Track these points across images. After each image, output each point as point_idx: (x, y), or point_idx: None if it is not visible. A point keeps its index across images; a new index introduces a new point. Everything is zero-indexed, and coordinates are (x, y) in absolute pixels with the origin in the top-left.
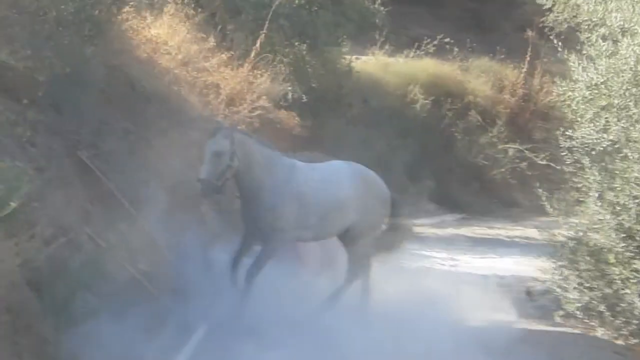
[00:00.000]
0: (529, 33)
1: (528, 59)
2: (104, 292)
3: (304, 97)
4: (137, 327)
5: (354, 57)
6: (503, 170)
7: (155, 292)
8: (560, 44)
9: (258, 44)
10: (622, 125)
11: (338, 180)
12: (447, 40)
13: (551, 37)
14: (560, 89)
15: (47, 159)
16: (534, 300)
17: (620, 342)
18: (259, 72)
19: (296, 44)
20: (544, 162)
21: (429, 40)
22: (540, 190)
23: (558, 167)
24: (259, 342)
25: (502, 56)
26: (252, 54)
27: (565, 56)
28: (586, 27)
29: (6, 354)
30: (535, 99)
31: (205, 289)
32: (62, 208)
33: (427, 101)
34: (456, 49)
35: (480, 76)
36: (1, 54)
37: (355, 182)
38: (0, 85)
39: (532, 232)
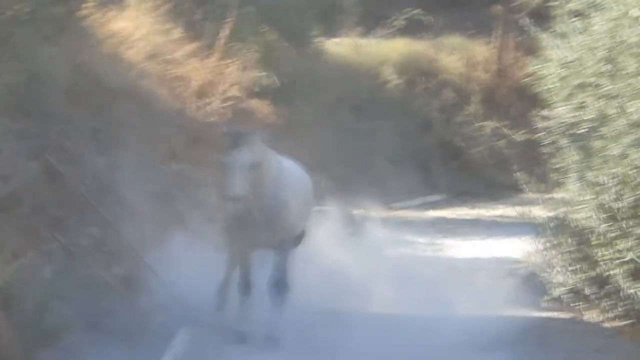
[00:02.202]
0: (498, 8)
1: (499, 34)
2: (78, 302)
3: (277, 83)
4: (114, 337)
5: (323, 40)
6: (481, 148)
7: (132, 297)
8: (530, 20)
9: (226, 32)
10: (598, 103)
11: (301, 174)
12: (416, 15)
13: (519, 14)
14: (533, 67)
15: (13, 166)
16: (518, 284)
17: (608, 325)
18: (229, 61)
19: (264, 30)
20: (522, 139)
21: (397, 17)
22: (518, 172)
23: (536, 144)
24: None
25: (473, 32)
26: (221, 43)
27: (536, 33)
28: (557, 1)
29: None
30: (509, 75)
31: (186, 291)
32: (30, 217)
33: (400, 81)
34: (427, 25)
35: (452, 54)
36: None
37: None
38: None
39: (514, 212)
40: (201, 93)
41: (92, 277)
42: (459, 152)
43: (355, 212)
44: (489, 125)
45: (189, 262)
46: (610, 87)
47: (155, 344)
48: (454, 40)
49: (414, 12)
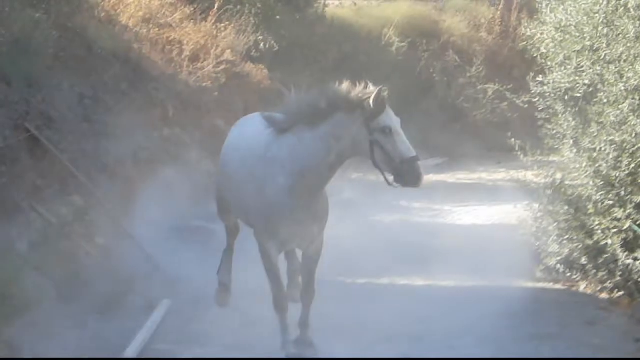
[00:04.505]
0: None
1: None
2: (55, 273)
3: (275, 47)
4: (91, 309)
5: (324, 3)
6: (483, 111)
7: (113, 268)
8: None
9: None
10: (596, 68)
11: None
12: None
13: None
14: (529, 31)
15: None
16: (514, 253)
17: (604, 295)
18: (224, 24)
19: None
20: (523, 103)
21: None
22: (512, 138)
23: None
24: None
25: None
26: (216, 6)
27: None
28: None
29: None
30: (513, 37)
31: (170, 263)
32: (7, 186)
33: (402, 44)
34: None
35: (455, 15)
36: None
37: None
38: None
39: (515, 176)
40: (195, 57)
41: (71, 248)
42: (461, 114)
43: (353, 176)
44: (492, 87)
45: (174, 232)
46: (608, 51)
47: (135, 316)
48: (458, 1)
49: None
